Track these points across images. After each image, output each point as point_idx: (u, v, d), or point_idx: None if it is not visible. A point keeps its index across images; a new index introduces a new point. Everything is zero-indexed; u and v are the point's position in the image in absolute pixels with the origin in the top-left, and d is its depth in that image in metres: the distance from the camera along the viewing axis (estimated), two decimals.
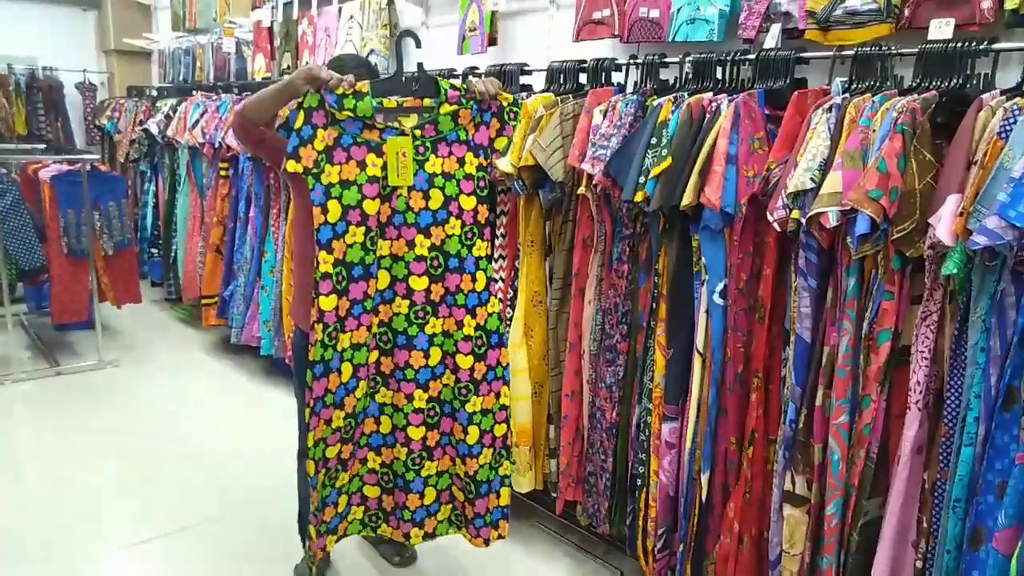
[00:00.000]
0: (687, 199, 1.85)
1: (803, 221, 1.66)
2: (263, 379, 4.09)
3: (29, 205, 4.09)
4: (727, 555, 1.97)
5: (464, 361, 1.92)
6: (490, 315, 1.93)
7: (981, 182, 1.41)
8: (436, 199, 1.84)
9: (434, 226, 1.84)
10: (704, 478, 1.97)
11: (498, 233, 2.55)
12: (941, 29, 1.69)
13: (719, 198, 1.79)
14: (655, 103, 2.05)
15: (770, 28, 2.02)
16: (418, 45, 2.00)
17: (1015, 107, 1.44)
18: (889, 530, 1.63)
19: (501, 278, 2.55)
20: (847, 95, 1.73)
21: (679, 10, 2.26)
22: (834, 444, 1.70)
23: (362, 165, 1.77)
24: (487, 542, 2.04)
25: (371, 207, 1.79)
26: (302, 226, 2.05)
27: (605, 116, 2.14)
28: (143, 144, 5.26)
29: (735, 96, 1.88)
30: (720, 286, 1.90)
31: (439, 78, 1.87)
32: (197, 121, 4.37)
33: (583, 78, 2.45)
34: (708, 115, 1.91)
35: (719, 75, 2.09)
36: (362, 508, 2.05)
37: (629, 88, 2.34)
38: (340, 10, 3.83)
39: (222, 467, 3.09)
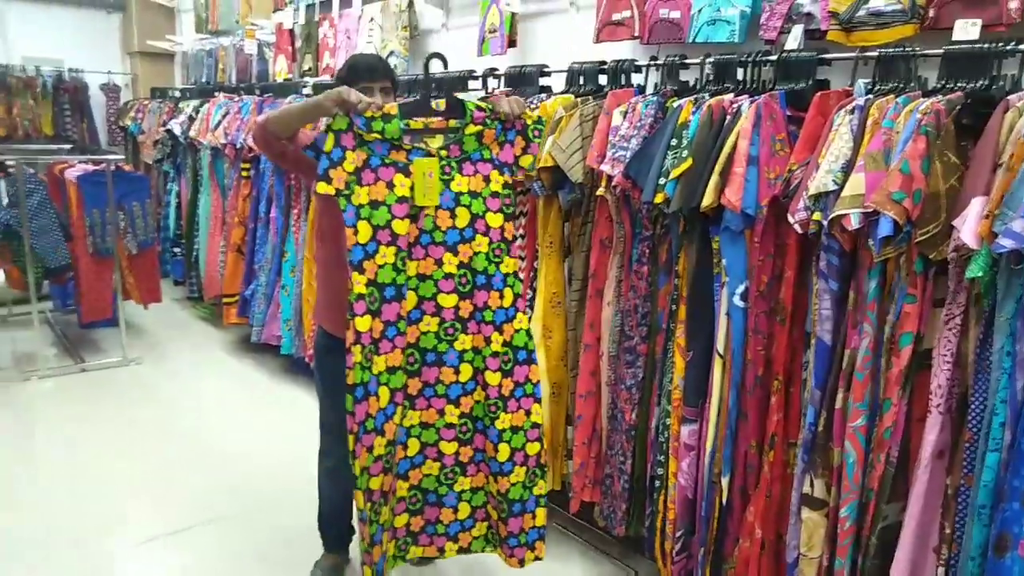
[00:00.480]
0: (707, 200, 1.84)
1: (825, 223, 1.64)
2: (283, 378, 4.13)
3: (55, 204, 4.16)
4: (746, 558, 1.96)
5: (492, 378, 1.90)
6: (517, 331, 1.90)
7: (1007, 184, 1.40)
8: (463, 217, 1.84)
9: (461, 244, 1.84)
10: (724, 481, 1.96)
11: (517, 234, 2.55)
12: (967, 30, 1.67)
13: (740, 200, 1.78)
14: (675, 104, 2.04)
15: (792, 29, 2.01)
16: (445, 66, 2.03)
17: None
18: (908, 534, 1.61)
19: (520, 278, 2.55)
20: (870, 96, 1.72)
21: (700, 11, 2.26)
22: (850, 447, 1.69)
23: (391, 186, 1.78)
24: (522, 563, 1.99)
25: (400, 227, 1.79)
26: (325, 231, 2.07)
27: (625, 117, 2.14)
28: (166, 145, 5.33)
29: (756, 97, 1.87)
30: (740, 288, 1.89)
31: (466, 100, 1.87)
32: (219, 122, 4.42)
33: (603, 79, 2.44)
34: (729, 116, 1.91)
35: (740, 76, 2.08)
36: (392, 542, 2.00)
37: (649, 89, 2.34)
38: (361, 12, 3.85)
39: (241, 465, 3.12)
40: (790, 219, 1.73)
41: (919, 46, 1.74)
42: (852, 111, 1.69)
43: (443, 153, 1.82)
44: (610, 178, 2.10)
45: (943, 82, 1.68)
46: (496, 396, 1.91)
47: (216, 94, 4.88)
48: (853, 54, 1.85)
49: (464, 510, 2.00)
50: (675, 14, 2.33)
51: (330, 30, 4.12)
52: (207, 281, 4.73)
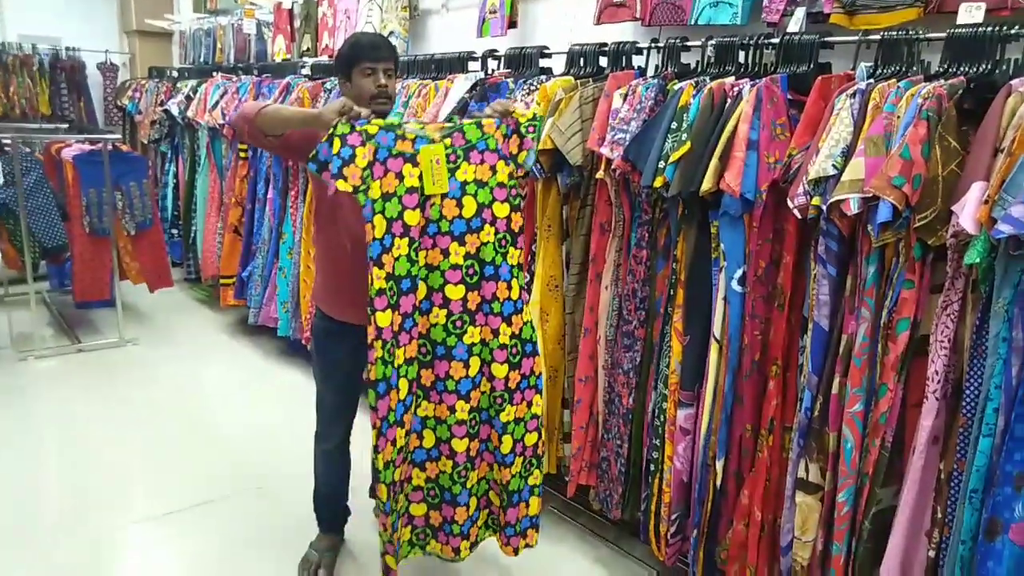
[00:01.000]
0: (707, 185, 1.83)
1: (824, 208, 1.64)
2: (280, 360, 4.13)
3: (52, 184, 4.14)
4: (740, 541, 1.97)
5: (499, 370, 1.91)
6: (525, 323, 1.92)
7: (1008, 170, 1.39)
8: (469, 207, 1.82)
9: (468, 234, 1.83)
10: (719, 465, 1.97)
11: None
12: (971, 13, 1.66)
13: (739, 184, 1.77)
14: (676, 87, 2.03)
15: (794, 12, 1.99)
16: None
17: None
18: (902, 519, 1.62)
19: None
20: (872, 80, 1.71)
21: None
22: (848, 432, 1.69)
23: (400, 176, 1.76)
24: (516, 551, 2.04)
25: (412, 218, 1.78)
26: (323, 214, 2.06)
27: (625, 100, 2.13)
28: (164, 125, 5.30)
29: (757, 81, 1.86)
30: (739, 273, 1.89)
31: (451, 115, 1.90)
32: (217, 102, 4.39)
33: (603, 61, 2.43)
34: (730, 100, 1.90)
35: (742, 59, 2.07)
36: (409, 528, 2.01)
37: (650, 72, 2.32)
38: None
39: (237, 446, 3.13)
40: (789, 204, 1.72)
41: (922, 30, 1.73)
42: (853, 95, 1.67)
43: (447, 141, 1.80)
44: (609, 161, 2.09)
45: (945, 66, 1.67)
46: (503, 388, 1.92)
47: (214, 74, 4.84)
48: (856, 37, 1.84)
49: (473, 504, 2.02)
50: None
51: (329, 10, 4.08)
52: (204, 262, 4.72)
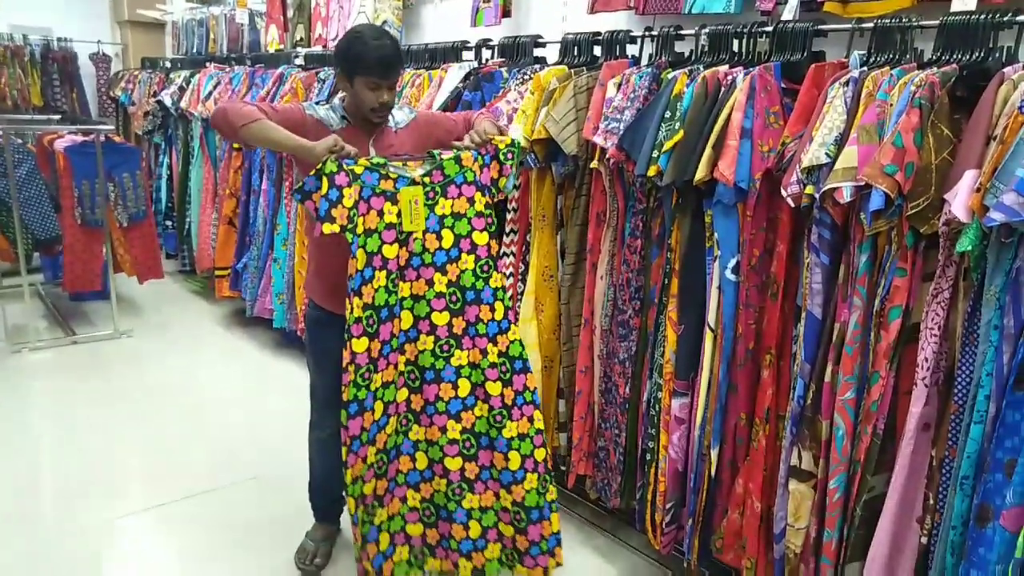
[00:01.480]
0: (700, 174, 1.83)
1: (817, 196, 1.64)
2: (275, 351, 4.13)
3: (44, 175, 4.12)
4: (735, 529, 1.98)
5: (493, 388, 1.98)
6: (511, 342, 2.00)
7: (1000, 157, 1.39)
8: (448, 239, 1.93)
9: (449, 264, 1.93)
10: (714, 453, 1.98)
11: (509, 207, 2.54)
12: (965, 1, 1.66)
13: (733, 173, 1.77)
14: (670, 76, 2.02)
15: (788, 0, 1.98)
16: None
17: None
18: (892, 505, 1.63)
19: (512, 252, 2.54)
20: (865, 68, 1.70)
21: None
22: (839, 420, 1.70)
23: (380, 214, 1.86)
24: (546, 571, 2.04)
25: (390, 252, 1.88)
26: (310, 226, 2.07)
27: (619, 89, 2.12)
28: (157, 116, 5.27)
29: (751, 69, 1.85)
30: (732, 262, 1.89)
31: (432, 151, 1.96)
32: (210, 93, 4.37)
33: (597, 51, 2.42)
34: (723, 88, 1.89)
35: (735, 48, 2.06)
36: (406, 547, 2.05)
37: (644, 61, 2.31)
38: None
39: (233, 437, 3.13)
40: (783, 192, 1.72)
41: (916, 17, 1.73)
42: (847, 83, 1.67)
43: (426, 180, 1.90)
44: (604, 150, 2.09)
45: (939, 54, 1.67)
46: (500, 406, 1.98)
47: (207, 64, 4.82)
48: (849, 25, 1.84)
49: (475, 529, 2.03)
50: None
51: None
52: (199, 254, 4.71)
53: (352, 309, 1.84)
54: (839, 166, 1.58)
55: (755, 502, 1.93)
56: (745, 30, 2.01)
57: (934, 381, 1.59)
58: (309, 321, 2.17)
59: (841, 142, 1.63)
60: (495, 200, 2.01)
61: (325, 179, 1.80)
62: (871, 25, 1.77)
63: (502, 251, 2.56)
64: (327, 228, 1.81)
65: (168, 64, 5.81)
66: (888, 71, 1.64)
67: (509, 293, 2.52)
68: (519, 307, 2.48)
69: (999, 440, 1.46)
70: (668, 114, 1.95)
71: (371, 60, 1.88)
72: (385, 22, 3.55)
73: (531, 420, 2.00)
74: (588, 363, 2.35)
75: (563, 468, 2.52)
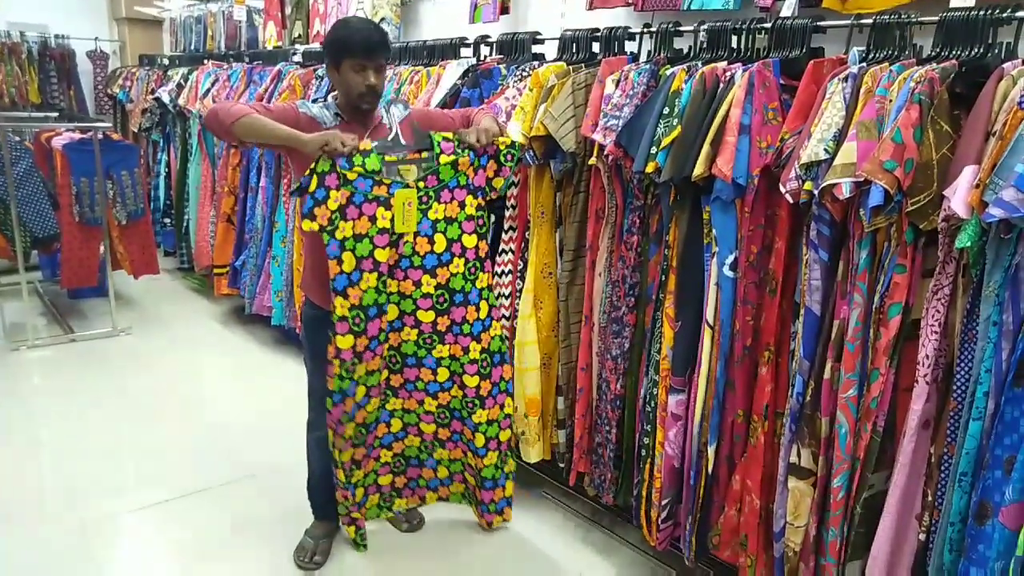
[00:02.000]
0: (699, 170, 1.83)
1: (816, 193, 1.64)
2: (274, 348, 4.13)
3: (42, 173, 4.11)
4: (732, 526, 1.98)
5: (471, 380, 2.12)
6: (493, 338, 2.12)
7: (999, 153, 1.38)
8: (440, 243, 1.99)
9: (439, 267, 2.00)
10: (711, 450, 1.97)
11: (508, 204, 2.54)
12: None
13: (731, 169, 1.77)
14: (668, 72, 2.02)
15: None
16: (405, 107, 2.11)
17: None
18: (893, 503, 1.63)
19: (511, 249, 2.54)
20: (864, 64, 1.70)
21: None
22: (842, 417, 1.70)
23: (373, 219, 1.91)
24: (490, 525, 2.33)
25: (382, 255, 1.94)
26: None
27: (617, 86, 2.11)
28: (155, 113, 5.26)
29: (750, 65, 1.85)
30: (730, 258, 1.88)
31: (433, 134, 1.97)
32: (208, 90, 4.36)
33: (596, 47, 2.41)
34: (722, 85, 1.88)
35: (734, 44, 2.06)
36: (377, 495, 2.28)
37: (642, 57, 2.31)
38: None
39: (232, 434, 3.13)
40: (781, 189, 1.72)
41: (914, 13, 1.72)
42: (845, 79, 1.67)
43: (420, 184, 1.95)
44: (602, 147, 2.09)
45: (938, 50, 1.66)
46: (474, 395, 2.14)
47: (205, 62, 4.81)
48: (848, 22, 1.83)
49: (443, 471, 2.30)
50: None
51: None
52: (197, 251, 4.70)
53: (336, 308, 1.90)
54: (838, 162, 1.57)
55: (754, 499, 1.93)
56: (744, 26, 2.00)
57: (934, 378, 1.58)
58: (306, 320, 2.17)
59: (840, 138, 1.62)
60: (488, 200, 2.05)
61: (316, 177, 1.83)
62: (870, 21, 1.77)
63: (500, 248, 2.55)
64: (306, 225, 1.85)
65: (166, 61, 5.80)
66: (887, 67, 1.64)
67: (496, 292, 2.54)
68: (518, 304, 2.47)
69: (998, 437, 1.45)
70: (666, 110, 1.95)
71: (354, 41, 1.92)
72: (383, 19, 3.54)
73: (502, 407, 2.18)
74: (589, 360, 2.35)
75: (561, 465, 2.52)
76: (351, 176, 1.87)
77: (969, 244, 1.43)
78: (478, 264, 2.06)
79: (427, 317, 2.03)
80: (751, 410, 1.95)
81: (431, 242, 1.98)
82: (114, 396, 3.48)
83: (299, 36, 4.29)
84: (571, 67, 2.32)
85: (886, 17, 1.74)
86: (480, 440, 2.16)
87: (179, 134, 4.96)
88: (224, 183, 4.29)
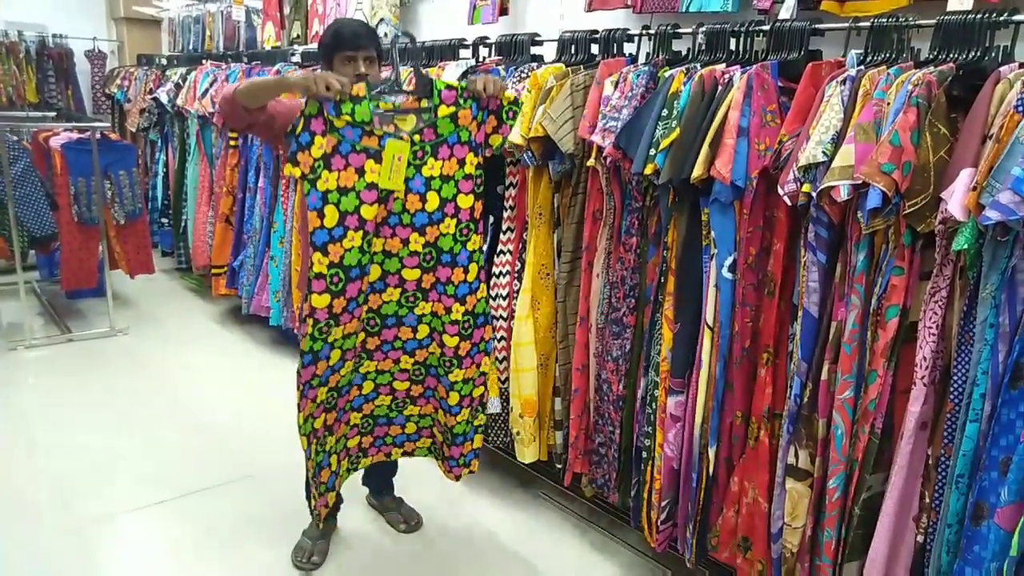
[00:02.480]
0: (697, 172, 1.83)
1: (814, 195, 1.64)
2: (272, 348, 4.12)
3: (40, 173, 4.11)
4: (731, 527, 1.98)
5: (450, 340, 2.02)
6: (479, 300, 2.01)
7: (996, 156, 1.39)
8: (432, 201, 1.89)
9: (429, 226, 1.91)
10: (711, 452, 1.98)
11: (506, 205, 2.54)
12: (961, 0, 1.66)
13: (730, 171, 1.77)
14: (667, 74, 2.02)
15: None
16: (413, 43, 2.07)
17: None
18: (890, 504, 1.64)
19: (509, 250, 2.54)
20: (862, 67, 1.71)
21: None
22: (838, 419, 1.70)
23: (360, 172, 1.80)
24: (458, 478, 2.23)
25: (368, 212, 1.83)
26: (304, 213, 2.07)
27: (616, 87, 2.12)
28: (153, 113, 5.25)
29: (748, 68, 1.85)
30: (729, 260, 1.89)
31: (435, 79, 1.89)
32: (207, 90, 4.35)
33: (595, 49, 2.42)
34: (720, 87, 1.89)
35: (732, 46, 2.06)
36: (346, 459, 2.18)
37: (641, 59, 2.31)
38: None
39: (230, 434, 3.13)
40: (779, 191, 1.72)
41: (912, 16, 1.73)
42: (843, 82, 1.67)
43: (416, 138, 1.84)
44: (601, 149, 2.09)
45: (935, 53, 1.67)
46: (452, 355, 2.04)
47: (203, 62, 4.80)
48: (846, 24, 1.84)
49: (411, 427, 2.23)
50: None
51: None
52: (195, 252, 4.69)
53: (313, 264, 1.80)
54: (836, 164, 1.58)
55: (754, 500, 1.93)
56: (742, 29, 2.01)
57: (931, 380, 1.59)
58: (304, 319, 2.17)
59: (838, 141, 1.63)
60: (485, 159, 1.96)
61: (302, 120, 1.75)
62: (868, 24, 1.77)
63: (498, 248, 2.56)
64: (288, 170, 1.77)
65: (164, 61, 5.79)
66: (885, 70, 1.64)
67: (493, 292, 2.53)
68: (515, 305, 2.48)
69: (994, 438, 1.46)
70: (665, 112, 1.95)
71: (342, 35, 2.00)
72: (382, 20, 3.54)
73: (478, 366, 2.08)
74: (585, 361, 2.36)
75: (559, 466, 2.52)
76: (338, 124, 1.76)
77: (966, 246, 1.43)
78: (471, 225, 1.94)
79: (412, 275, 1.93)
80: (750, 412, 1.95)
81: (423, 200, 1.87)
82: (111, 396, 3.47)
83: (297, 36, 4.29)
84: (570, 69, 2.32)
85: (884, 20, 1.75)
86: (454, 398, 2.08)
87: (177, 134, 4.96)
88: (222, 183, 4.29)
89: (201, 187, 4.62)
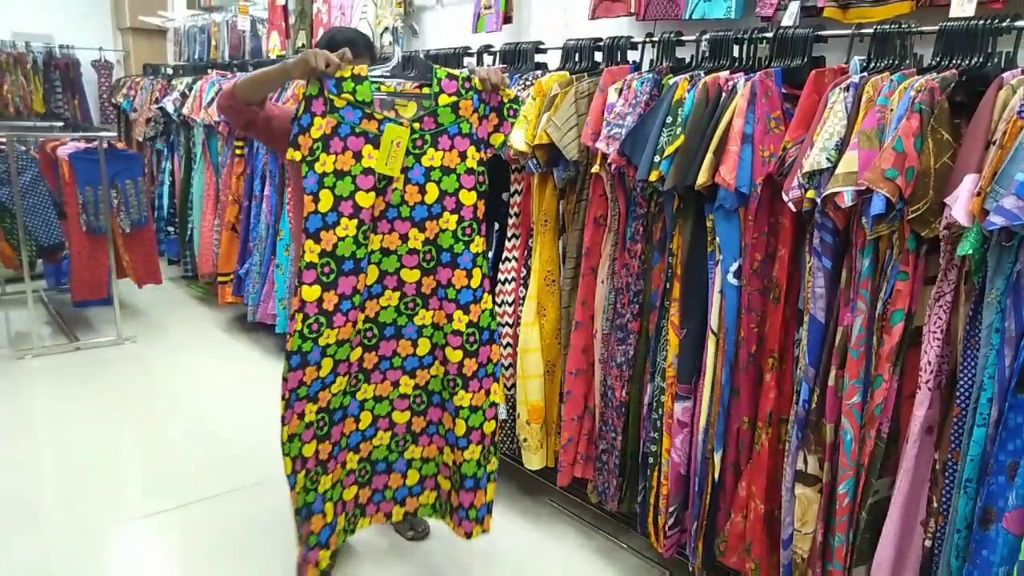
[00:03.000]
0: (702, 179, 1.84)
1: (818, 201, 1.65)
2: (278, 356, 4.13)
3: (48, 182, 4.14)
4: (739, 533, 1.98)
5: (453, 355, 1.91)
6: (483, 312, 1.91)
7: (999, 162, 1.40)
8: (432, 193, 1.82)
9: (428, 220, 1.83)
10: (717, 457, 1.98)
11: (511, 212, 2.55)
12: (963, 6, 1.67)
13: (734, 178, 1.78)
14: (671, 81, 2.04)
15: (788, 6, 2.00)
16: (415, 35, 2.08)
17: None
18: (896, 508, 1.64)
19: (514, 257, 2.55)
20: (865, 74, 1.71)
21: None
22: (847, 424, 1.71)
23: (358, 156, 1.74)
24: (469, 535, 2.04)
25: (365, 200, 1.76)
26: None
27: (620, 94, 2.13)
28: (159, 122, 5.29)
29: (752, 75, 1.86)
30: (734, 266, 1.90)
31: (436, 67, 1.84)
32: (212, 99, 4.38)
33: (598, 56, 2.43)
34: (724, 94, 1.90)
35: (736, 53, 2.08)
36: (343, 515, 2.02)
37: (645, 66, 2.33)
38: None
39: (236, 443, 3.14)
40: (784, 197, 1.73)
41: (915, 23, 1.74)
42: (847, 89, 1.68)
43: (416, 125, 1.79)
44: (605, 156, 2.10)
45: (938, 59, 1.68)
46: (456, 373, 1.92)
47: (209, 71, 4.83)
48: (849, 31, 1.85)
49: (413, 477, 2.05)
50: None
51: (324, 6, 4.08)
52: (201, 260, 4.72)
53: (305, 253, 1.73)
54: (840, 171, 1.59)
55: (758, 505, 1.94)
56: (746, 36, 2.02)
57: (937, 384, 1.59)
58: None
59: (842, 147, 1.64)
60: (489, 157, 1.91)
61: (303, 101, 1.70)
62: (871, 31, 1.78)
63: (504, 255, 2.57)
64: (290, 154, 1.72)
65: (170, 71, 5.83)
66: (888, 76, 1.65)
67: (499, 299, 2.53)
68: (521, 311, 2.48)
69: (1002, 443, 1.46)
70: (669, 119, 1.96)
71: (337, 41, 2.04)
72: (387, 29, 3.57)
73: (488, 393, 1.95)
74: (580, 366, 2.36)
75: (557, 468, 2.52)
76: (339, 103, 1.71)
77: (971, 252, 1.44)
78: (474, 225, 1.85)
79: (411, 277, 1.84)
80: (756, 417, 1.96)
81: (422, 191, 1.80)
82: (118, 404, 3.49)
83: (302, 46, 4.32)
84: (574, 76, 2.33)
85: (887, 27, 1.76)
86: (461, 428, 1.92)
87: (183, 143, 4.99)
88: (228, 192, 4.31)
89: (207, 195, 4.65)
